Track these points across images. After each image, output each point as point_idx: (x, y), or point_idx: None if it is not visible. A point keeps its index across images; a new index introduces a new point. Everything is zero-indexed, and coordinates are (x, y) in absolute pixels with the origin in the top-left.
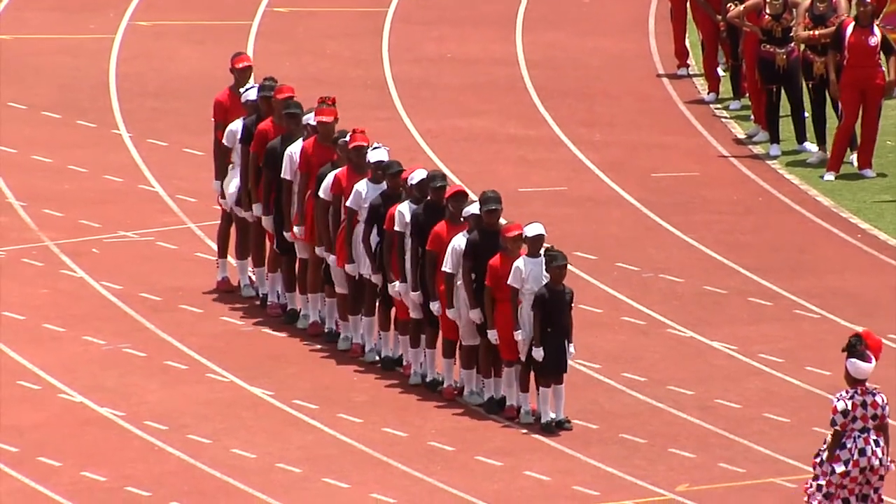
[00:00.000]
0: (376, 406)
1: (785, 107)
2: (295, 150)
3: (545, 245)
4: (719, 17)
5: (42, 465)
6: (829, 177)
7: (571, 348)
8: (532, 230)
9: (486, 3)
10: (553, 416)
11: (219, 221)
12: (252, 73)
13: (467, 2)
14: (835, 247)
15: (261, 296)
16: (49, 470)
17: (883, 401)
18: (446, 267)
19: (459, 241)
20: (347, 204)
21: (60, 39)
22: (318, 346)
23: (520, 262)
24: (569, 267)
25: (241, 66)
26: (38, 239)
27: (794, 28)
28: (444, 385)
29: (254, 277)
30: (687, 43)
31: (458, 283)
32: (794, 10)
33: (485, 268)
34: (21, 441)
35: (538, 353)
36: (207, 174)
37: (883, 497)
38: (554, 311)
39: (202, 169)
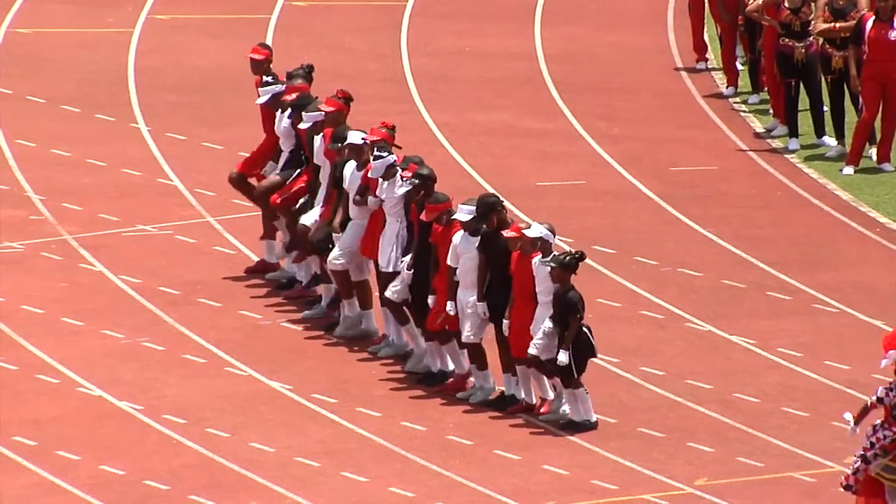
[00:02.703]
0: (395, 400)
1: (803, 101)
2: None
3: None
4: (729, 16)
5: (61, 458)
6: (848, 171)
7: (562, 356)
8: (531, 231)
9: None
10: (567, 412)
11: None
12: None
13: None
14: (854, 241)
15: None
16: (67, 463)
17: None
18: (450, 261)
19: (458, 237)
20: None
21: (79, 33)
22: (337, 341)
23: (535, 260)
24: (587, 261)
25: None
26: (56, 233)
27: (812, 22)
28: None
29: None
30: (705, 37)
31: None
32: (812, 3)
33: (493, 264)
34: (40, 434)
35: (563, 356)
36: (226, 168)
37: None
38: (557, 313)
39: (221, 162)
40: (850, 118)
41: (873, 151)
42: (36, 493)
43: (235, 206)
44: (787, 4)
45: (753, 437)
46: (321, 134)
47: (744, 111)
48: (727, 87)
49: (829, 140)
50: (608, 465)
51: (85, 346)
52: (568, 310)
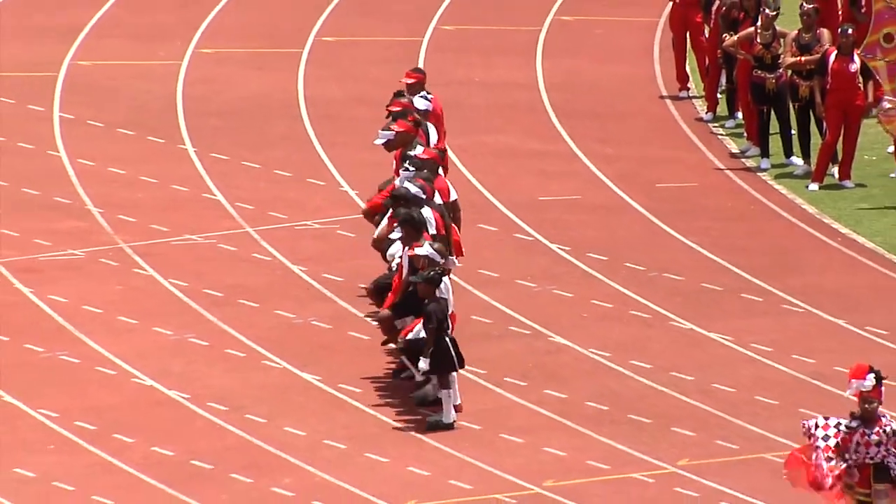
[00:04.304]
0: (413, 390)
1: (774, 125)
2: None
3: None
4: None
5: (117, 441)
6: (814, 187)
7: (421, 363)
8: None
9: (509, 33)
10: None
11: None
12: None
13: (493, 32)
14: (818, 249)
15: None
16: (123, 446)
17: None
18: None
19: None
20: None
21: (133, 65)
22: (362, 338)
23: None
24: (583, 267)
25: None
26: (113, 241)
27: (782, 56)
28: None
29: None
30: (687, 68)
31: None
32: (782, 39)
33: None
34: (99, 420)
35: (422, 363)
36: (264, 184)
37: None
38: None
39: (258, 180)
40: (815, 140)
41: (835, 170)
42: (95, 472)
43: (271, 218)
44: (759, 40)
45: (730, 423)
46: (393, 152)
47: (721, 134)
48: (707, 113)
49: (797, 160)
50: (601, 448)
51: (138, 342)
52: (425, 320)
